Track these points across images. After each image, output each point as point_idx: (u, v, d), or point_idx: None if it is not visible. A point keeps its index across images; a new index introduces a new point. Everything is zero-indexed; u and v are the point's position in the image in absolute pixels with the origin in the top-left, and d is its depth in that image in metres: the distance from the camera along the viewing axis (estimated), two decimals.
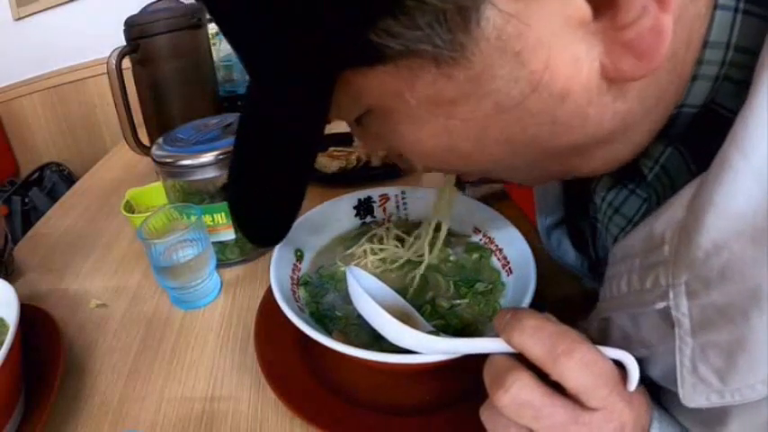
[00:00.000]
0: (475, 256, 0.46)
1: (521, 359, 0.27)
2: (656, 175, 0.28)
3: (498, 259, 0.45)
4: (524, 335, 0.26)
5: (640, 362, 0.28)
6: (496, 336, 0.28)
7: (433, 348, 0.31)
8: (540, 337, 0.26)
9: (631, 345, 0.28)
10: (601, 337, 0.32)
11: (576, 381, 0.25)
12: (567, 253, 0.45)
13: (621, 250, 0.28)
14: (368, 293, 0.33)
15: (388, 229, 0.49)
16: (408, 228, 0.50)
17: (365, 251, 0.47)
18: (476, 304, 0.41)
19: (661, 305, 0.24)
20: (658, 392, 0.30)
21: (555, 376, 0.25)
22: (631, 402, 0.26)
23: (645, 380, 0.28)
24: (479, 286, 0.42)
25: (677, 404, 0.29)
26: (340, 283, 0.44)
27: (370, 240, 0.48)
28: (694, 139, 0.26)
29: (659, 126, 0.26)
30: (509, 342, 0.27)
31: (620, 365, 0.26)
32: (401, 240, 0.48)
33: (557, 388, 0.26)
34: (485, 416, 0.28)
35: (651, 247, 0.25)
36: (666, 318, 0.25)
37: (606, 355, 0.26)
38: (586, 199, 0.39)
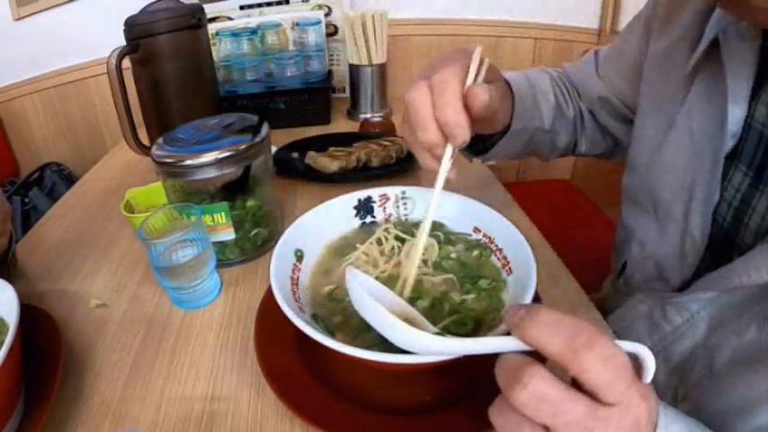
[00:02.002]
0: (475, 253, 0.46)
1: (533, 356, 0.26)
2: None
3: (498, 259, 0.45)
4: (541, 329, 0.26)
5: None
6: (505, 334, 0.28)
7: (442, 350, 0.30)
8: (557, 332, 0.25)
9: None
10: None
11: (597, 375, 0.24)
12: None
13: None
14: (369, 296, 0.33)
15: (387, 230, 0.49)
16: (407, 228, 0.50)
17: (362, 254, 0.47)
18: (480, 300, 0.41)
19: None
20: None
21: (574, 370, 0.25)
22: (646, 397, 0.26)
23: None
24: (483, 282, 0.42)
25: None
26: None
27: (372, 244, 0.48)
28: None
29: None
30: (523, 338, 0.26)
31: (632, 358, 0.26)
32: (401, 240, 0.48)
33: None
34: (494, 415, 0.27)
35: None
36: None
37: (623, 349, 0.26)
38: None
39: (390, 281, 0.44)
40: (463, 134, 0.38)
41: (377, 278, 0.42)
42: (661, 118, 0.48)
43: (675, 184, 0.45)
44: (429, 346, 0.30)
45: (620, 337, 0.49)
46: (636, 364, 0.26)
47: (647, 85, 0.52)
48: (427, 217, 0.42)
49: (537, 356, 0.26)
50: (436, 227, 0.50)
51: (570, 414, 0.25)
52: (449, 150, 0.40)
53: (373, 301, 0.32)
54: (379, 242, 0.48)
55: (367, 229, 0.51)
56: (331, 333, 0.40)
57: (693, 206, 0.43)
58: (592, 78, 0.62)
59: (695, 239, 0.44)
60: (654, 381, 0.45)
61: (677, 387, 0.44)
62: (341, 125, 1.11)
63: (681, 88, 0.46)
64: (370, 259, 0.47)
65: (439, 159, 0.40)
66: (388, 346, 0.33)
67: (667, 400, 0.43)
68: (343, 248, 0.48)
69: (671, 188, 0.46)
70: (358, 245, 0.48)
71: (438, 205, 0.41)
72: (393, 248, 0.47)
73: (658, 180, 0.48)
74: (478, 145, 0.58)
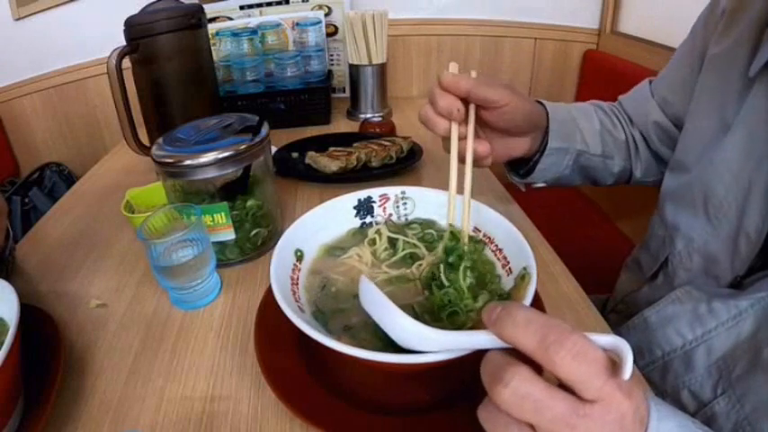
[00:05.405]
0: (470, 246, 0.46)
1: (516, 356, 0.27)
2: None
3: (498, 259, 0.45)
4: (516, 327, 0.26)
5: None
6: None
7: (431, 341, 0.30)
8: (531, 329, 0.26)
9: None
10: None
11: (569, 371, 0.25)
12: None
13: None
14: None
15: (378, 231, 0.49)
16: (399, 229, 0.50)
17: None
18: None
19: None
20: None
21: (547, 367, 0.25)
22: (630, 393, 0.26)
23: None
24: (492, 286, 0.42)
25: None
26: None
27: (363, 244, 0.48)
28: None
29: None
30: (500, 335, 0.27)
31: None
32: (393, 241, 0.48)
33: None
34: (483, 415, 0.28)
35: None
36: None
37: (598, 345, 0.26)
38: None
39: (390, 283, 0.44)
40: (464, 84, 0.47)
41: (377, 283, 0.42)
42: (716, 118, 0.49)
43: (731, 181, 0.46)
44: (426, 339, 0.30)
45: (659, 330, 0.49)
46: (618, 359, 0.26)
47: (702, 87, 0.53)
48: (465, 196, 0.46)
49: (522, 356, 0.27)
50: (427, 225, 0.50)
51: (552, 411, 0.25)
52: (472, 109, 0.49)
53: (384, 297, 0.32)
54: (372, 243, 0.48)
55: (366, 230, 0.51)
56: (330, 333, 0.40)
57: (750, 205, 0.44)
58: (646, 103, 0.63)
59: (750, 237, 0.44)
60: (694, 373, 0.46)
61: (717, 381, 0.44)
62: (341, 125, 1.11)
63: (739, 90, 0.47)
64: (362, 261, 0.47)
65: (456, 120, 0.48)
66: (387, 346, 0.33)
67: (706, 394, 0.44)
68: (341, 249, 0.48)
69: (726, 185, 0.46)
70: (353, 247, 0.48)
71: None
72: (386, 249, 0.47)
73: (712, 177, 0.48)
74: (523, 167, 0.63)
